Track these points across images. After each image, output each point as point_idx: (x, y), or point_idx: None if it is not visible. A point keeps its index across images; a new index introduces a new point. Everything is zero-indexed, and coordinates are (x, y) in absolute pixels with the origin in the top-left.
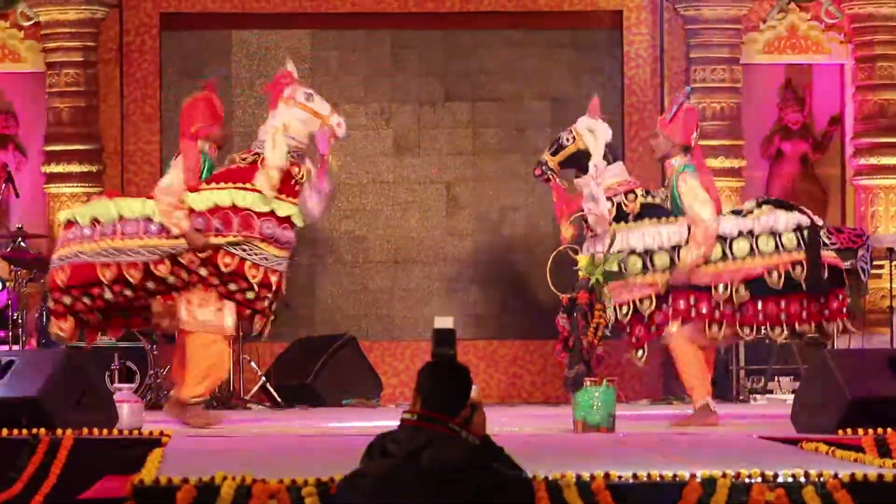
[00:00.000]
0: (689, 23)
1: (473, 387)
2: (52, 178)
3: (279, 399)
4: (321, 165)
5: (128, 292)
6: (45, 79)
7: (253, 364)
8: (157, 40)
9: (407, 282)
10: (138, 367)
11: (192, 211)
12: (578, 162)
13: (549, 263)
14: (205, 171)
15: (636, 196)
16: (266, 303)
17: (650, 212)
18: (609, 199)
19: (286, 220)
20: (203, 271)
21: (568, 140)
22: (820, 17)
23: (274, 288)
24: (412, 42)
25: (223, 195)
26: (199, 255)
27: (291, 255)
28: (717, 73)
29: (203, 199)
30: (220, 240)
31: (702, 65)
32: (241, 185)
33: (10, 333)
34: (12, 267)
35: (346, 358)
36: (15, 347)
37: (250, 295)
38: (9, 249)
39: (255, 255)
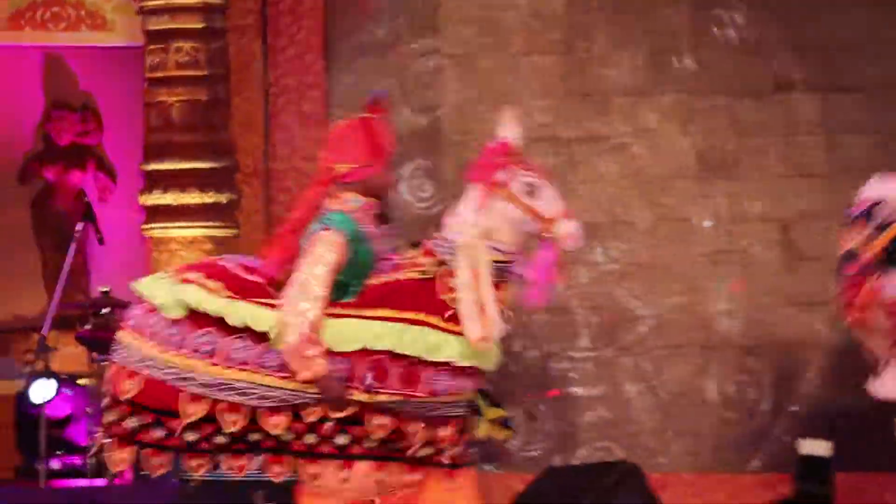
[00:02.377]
0: None
1: None
2: (156, 213)
3: None
4: (533, 289)
5: (220, 439)
6: (143, 58)
7: None
8: None
9: (710, 379)
10: None
11: (329, 351)
12: None
13: None
14: (355, 250)
15: None
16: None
17: None
18: None
19: (471, 368)
20: (342, 439)
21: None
22: None
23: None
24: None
25: (381, 332)
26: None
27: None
28: None
29: (348, 335)
30: (363, 397)
31: None
32: (410, 314)
33: (94, 461)
34: (94, 354)
35: (627, 497)
36: (99, 483)
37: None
38: (88, 326)
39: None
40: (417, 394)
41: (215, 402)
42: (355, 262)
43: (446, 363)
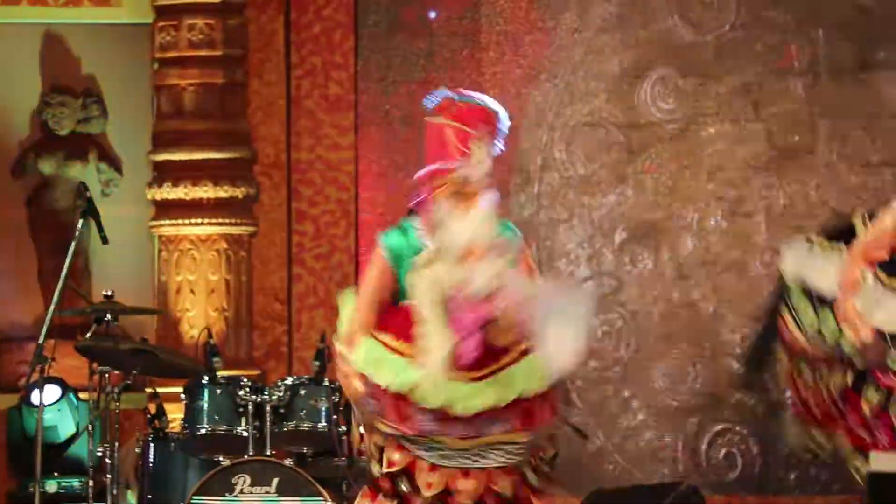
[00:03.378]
0: None
1: None
2: (165, 209)
3: None
4: None
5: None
6: (153, 36)
7: None
8: None
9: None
10: None
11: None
12: None
13: None
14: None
15: None
16: None
17: None
18: None
19: None
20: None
21: None
22: None
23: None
24: None
25: None
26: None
27: None
28: None
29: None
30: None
31: None
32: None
33: (93, 483)
34: (94, 366)
35: None
36: None
37: None
38: (88, 335)
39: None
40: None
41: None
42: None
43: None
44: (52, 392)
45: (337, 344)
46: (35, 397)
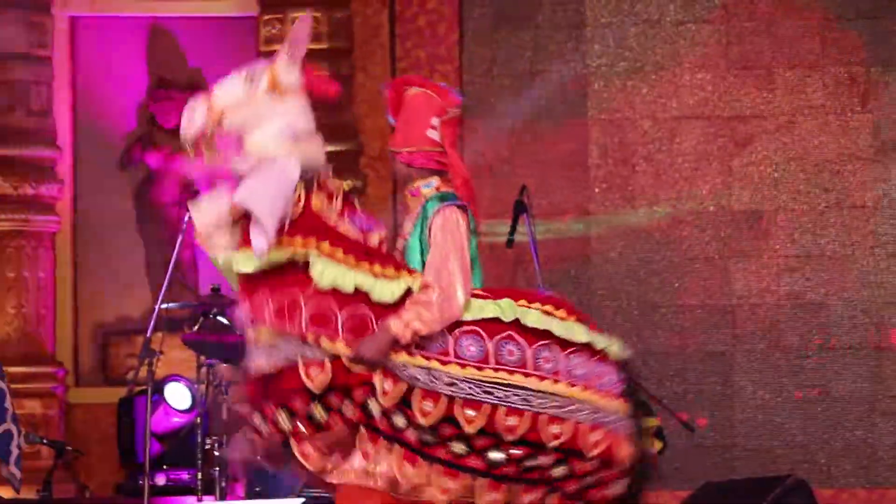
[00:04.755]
0: None
1: None
2: None
3: None
4: None
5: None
6: (258, 28)
7: None
8: None
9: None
10: None
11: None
12: None
13: None
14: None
15: None
16: None
17: None
18: None
19: None
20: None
21: None
22: None
23: None
24: None
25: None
26: None
27: None
28: None
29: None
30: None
31: None
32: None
33: (202, 477)
34: (202, 359)
35: None
36: (209, 501)
37: None
38: (196, 329)
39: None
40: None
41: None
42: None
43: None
44: (181, 394)
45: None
46: (167, 394)
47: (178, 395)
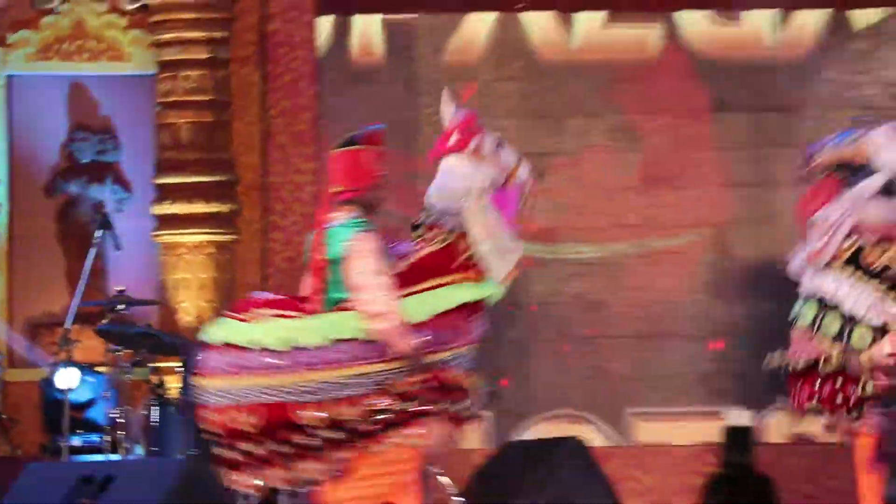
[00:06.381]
0: None
1: None
2: (166, 222)
3: None
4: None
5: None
6: (155, 84)
7: (444, 479)
8: (311, 29)
9: (660, 364)
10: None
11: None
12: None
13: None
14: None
15: None
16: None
17: None
18: None
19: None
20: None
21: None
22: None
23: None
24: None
25: (435, 299)
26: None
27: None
28: None
29: (416, 309)
30: (446, 355)
31: None
32: (446, 277)
33: (110, 439)
34: (109, 345)
35: (572, 470)
36: (115, 457)
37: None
38: (105, 321)
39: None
40: (473, 342)
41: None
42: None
43: (474, 306)
44: (71, 375)
45: (382, 317)
46: (57, 378)
47: (66, 378)
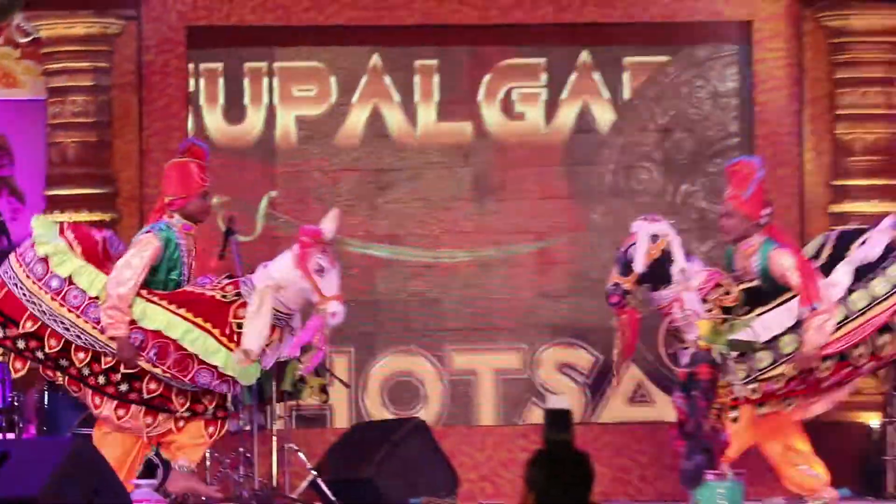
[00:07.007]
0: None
1: None
2: None
3: (333, 498)
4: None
5: (39, 354)
6: (46, 108)
7: (301, 455)
8: (183, 60)
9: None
10: (161, 459)
11: (133, 322)
12: (659, 272)
13: (661, 332)
14: (168, 257)
15: (729, 289)
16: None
17: (755, 297)
18: (704, 300)
19: (227, 377)
20: (124, 387)
21: (644, 251)
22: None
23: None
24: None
25: (176, 324)
26: (125, 369)
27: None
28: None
29: (152, 316)
30: (146, 365)
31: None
32: (202, 321)
33: (4, 419)
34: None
35: (415, 447)
36: (10, 436)
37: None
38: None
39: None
40: (184, 378)
41: (45, 325)
42: (168, 260)
43: (214, 366)
44: None
45: (110, 295)
46: None
47: None
